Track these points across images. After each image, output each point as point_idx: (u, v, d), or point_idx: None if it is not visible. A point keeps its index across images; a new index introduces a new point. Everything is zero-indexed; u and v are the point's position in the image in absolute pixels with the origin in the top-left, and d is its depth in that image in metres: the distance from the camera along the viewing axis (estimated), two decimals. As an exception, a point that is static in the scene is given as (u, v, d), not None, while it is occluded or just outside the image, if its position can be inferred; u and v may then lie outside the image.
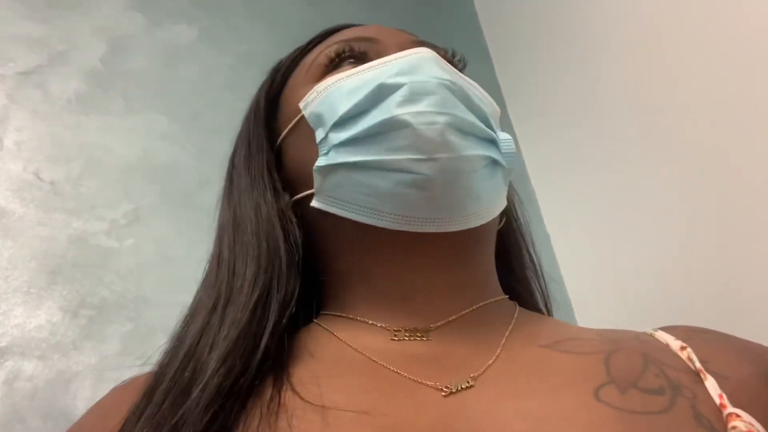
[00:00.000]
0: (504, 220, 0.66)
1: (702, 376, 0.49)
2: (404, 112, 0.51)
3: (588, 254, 1.35)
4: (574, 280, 1.37)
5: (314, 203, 0.57)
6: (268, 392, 0.47)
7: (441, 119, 0.51)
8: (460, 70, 0.65)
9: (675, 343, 0.54)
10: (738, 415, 0.45)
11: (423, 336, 0.54)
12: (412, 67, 0.55)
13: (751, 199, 0.95)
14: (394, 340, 0.53)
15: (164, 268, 1.08)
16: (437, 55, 0.58)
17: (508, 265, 0.68)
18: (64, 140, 1.14)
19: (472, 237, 0.56)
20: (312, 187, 0.57)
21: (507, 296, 0.62)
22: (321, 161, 0.55)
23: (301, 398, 0.47)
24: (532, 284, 0.71)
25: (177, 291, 1.06)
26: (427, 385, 0.49)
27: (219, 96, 1.31)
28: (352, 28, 0.67)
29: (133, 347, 0.98)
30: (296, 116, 0.60)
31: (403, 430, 0.44)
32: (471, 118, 0.54)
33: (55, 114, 1.16)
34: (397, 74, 0.54)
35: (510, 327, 0.56)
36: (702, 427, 0.44)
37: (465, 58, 0.68)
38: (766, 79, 0.93)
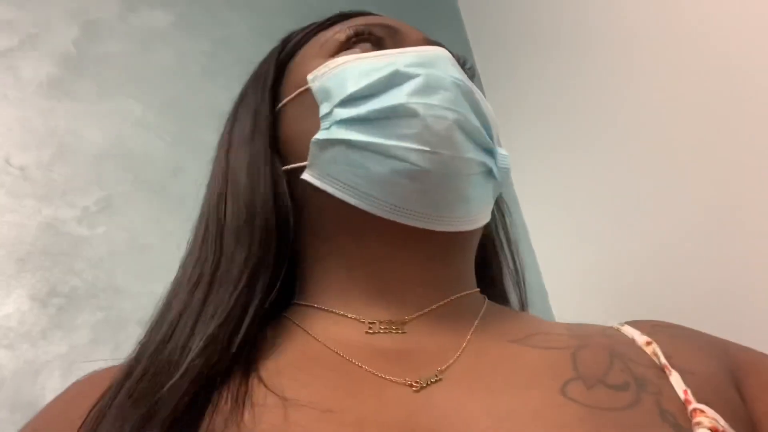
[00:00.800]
0: (492, 227, 0.68)
1: (667, 371, 0.50)
2: (416, 102, 0.51)
3: (565, 246, 1.35)
4: (551, 273, 1.38)
5: (305, 175, 0.55)
6: (237, 381, 0.47)
7: (451, 116, 0.52)
8: (471, 77, 0.64)
9: (641, 338, 0.54)
10: (702, 411, 0.45)
11: (398, 329, 0.53)
12: (430, 61, 0.55)
13: (729, 190, 0.96)
14: (369, 332, 0.53)
15: (137, 257, 1.06)
16: (451, 58, 0.59)
17: (488, 271, 0.69)
18: (35, 126, 1.11)
19: (457, 239, 0.56)
20: (305, 160, 0.56)
21: (478, 289, 0.62)
22: (321, 134, 0.54)
23: (268, 390, 0.46)
24: (511, 290, 0.71)
25: (150, 280, 1.05)
26: (394, 381, 0.48)
27: (195, 83, 1.30)
28: (375, 16, 0.67)
29: (104, 337, 0.97)
30: (302, 87, 0.59)
31: (367, 426, 0.44)
32: (477, 122, 0.55)
33: (26, 99, 1.13)
34: (415, 64, 0.54)
35: (476, 320, 0.56)
36: (666, 423, 0.44)
37: (476, 70, 0.69)
38: (747, 72, 0.94)
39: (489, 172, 0.56)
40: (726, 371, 0.51)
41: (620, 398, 0.46)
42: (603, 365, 0.49)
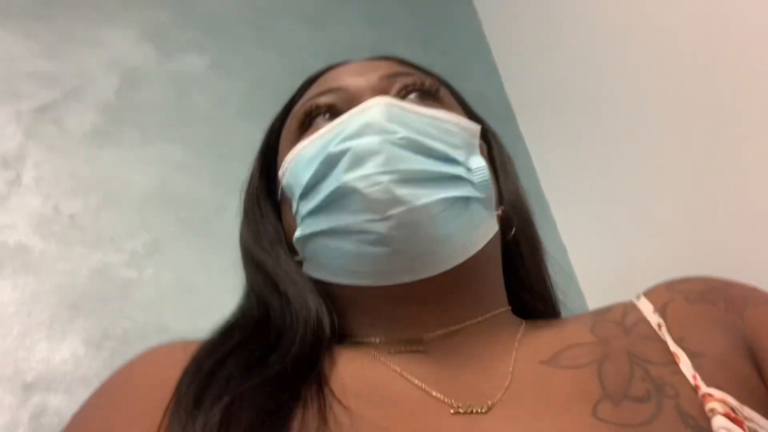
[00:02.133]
0: (513, 231, 0.66)
1: (676, 359, 0.51)
2: (351, 178, 0.53)
3: (604, 265, 1.34)
4: (592, 293, 1.36)
5: (304, 270, 0.61)
6: (314, 392, 0.49)
7: (385, 178, 0.52)
8: (435, 93, 0.65)
9: (653, 318, 0.55)
10: (711, 395, 0.46)
11: (419, 347, 0.55)
12: (359, 129, 0.56)
13: (757, 186, 0.95)
14: (392, 353, 0.55)
15: (184, 296, 1.08)
16: (390, 104, 0.58)
17: (518, 277, 0.68)
18: (81, 174, 1.15)
19: (461, 272, 0.56)
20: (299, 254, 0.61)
21: (509, 308, 0.63)
22: (298, 233, 0.59)
23: (341, 405, 0.48)
24: (545, 294, 0.71)
25: (197, 319, 1.06)
26: (441, 402, 0.50)
27: (232, 123, 1.32)
28: (326, 75, 0.68)
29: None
30: (281, 185, 0.64)
31: None
32: (423, 165, 0.55)
33: (72, 148, 1.17)
34: (344, 139, 0.56)
35: (516, 345, 0.57)
36: (689, 428, 0.45)
37: (437, 83, 0.68)
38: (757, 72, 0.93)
39: (461, 199, 0.56)
40: (739, 340, 0.52)
41: (644, 411, 0.47)
42: (625, 376, 0.50)
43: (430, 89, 0.65)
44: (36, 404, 0.92)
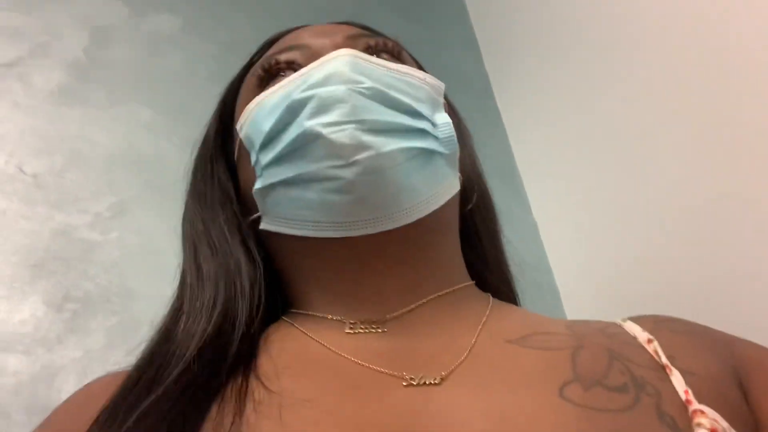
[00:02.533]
0: (475, 198, 0.66)
1: (668, 371, 0.49)
2: (314, 123, 0.52)
3: (576, 243, 1.35)
4: (561, 270, 1.37)
5: (261, 225, 0.59)
6: (238, 380, 0.48)
7: (350, 126, 0.51)
8: (397, 55, 0.65)
9: (642, 335, 0.54)
10: (703, 412, 0.45)
11: (378, 327, 0.54)
12: (324, 78, 0.54)
13: (746, 191, 0.95)
14: (350, 332, 0.54)
15: (149, 260, 1.06)
16: (356, 55, 0.57)
17: (478, 247, 0.68)
18: (46, 133, 1.12)
19: (421, 229, 0.56)
20: (258, 210, 0.59)
21: (473, 282, 0.62)
22: (258, 183, 0.57)
23: (267, 389, 0.47)
24: (503, 267, 0.70)
25: (162, 283, 1.05)
26: (390, 375, 0.49)
27: (204, 86, 1.29)
28: (288, 35, 0.67)
29: (118, 341, 0.97)
30: (238, 139, 0.62)
31: (365, 425, 0.45)
32: (389, 116, 0.54)
33: (37, 106, 1.14)
34: (308, 87, 0.54)
35: (482, 323, 0.56)
36: (665, 426, 0.44)
37: (399, 44, 0.67)
38: (754, 75, 0.93)
39: (427, 151, 0.55)
40: (730, 370, 0.51)
41: (618, 400, 0.46)
42: (602, 366, 0.49)
43: (393, 50, 0.65)
44: (-6, 365, 0.90)
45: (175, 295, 0.61)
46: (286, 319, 0.58)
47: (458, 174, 0.60)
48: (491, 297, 0.61)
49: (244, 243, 0.60)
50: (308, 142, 0.53)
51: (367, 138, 0.51)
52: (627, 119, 1.20)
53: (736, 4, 0.96)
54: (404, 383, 0.48)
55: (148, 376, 0.50)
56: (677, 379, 0.48)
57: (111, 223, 1.08)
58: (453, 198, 0.59)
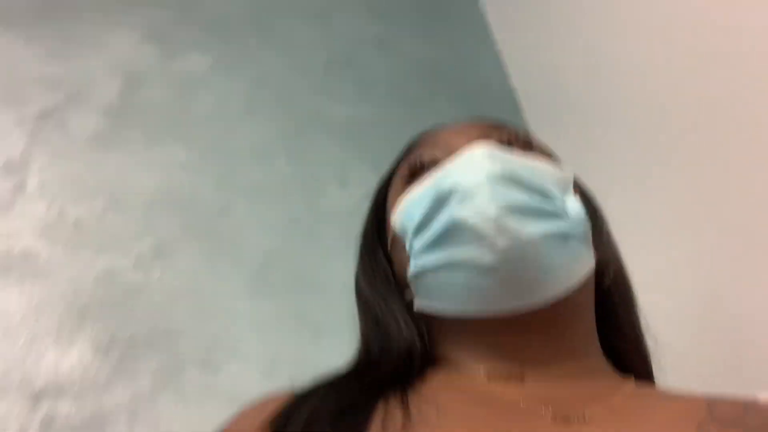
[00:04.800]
0: (612, 274, 0.68)
1: None
2: (460, 211, 0.57)
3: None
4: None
5: (415, 306, 0.64)
6: (397, 402, 0.53)
7: (492, 211, 0.56)
8: (527, 147, 0.69)
9: None
10: None
11: (518, 380, 0.58)
12: (465, 168, 0.60)
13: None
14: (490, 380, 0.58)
15: (190, 299, 1.07)
16: (489, 147, 0.62)
17: (610, 326, 0.69)
18: (85, 178, 1.14)
19: (563, 306, 0.58)
20: (413, 292, 0.64)
21: (604, 356, 0.64)
22: (411, 270, 0.62)
23: (425, 400, 0.53)
24: (641, 343, 0.71)
25: (205, 321, 1.07)
26: (536, 413, 0.53)
27: (235, 123, 1.32)
28: (425, 138, 0.73)
29: (164, 382, 0.98)
30: (392, 231, 0.67)
31: None
32: (526, 198, 0.58)
33: (76, 152, 1.17)
34: (451, 179, 0.60)
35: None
36: None
37: (528, 134, 0.72)
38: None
39: (561, 233, 0.59)
40: None
41: None
42: (738, 413, 0.51)
43: (525, 140, 0.69)
44: (46, 412, 0.91)
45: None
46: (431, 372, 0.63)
47: (593, 251, 0.63)
48: (633, 379, 0.63)
49: (416, 322, 0.65)
50: (455, 228, 0.57)
51: (509, 222, 0.56)
52: (655, 140, 1.19)
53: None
54: (551, 416, 0.52)
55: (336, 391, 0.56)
56: None
57: (152, 264, 1.09)
58: (589, 276, 0.62)
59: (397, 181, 0.72)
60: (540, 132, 1.59)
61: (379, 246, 0.73)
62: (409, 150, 0.75)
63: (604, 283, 0.67)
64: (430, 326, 0.65)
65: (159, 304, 1.06)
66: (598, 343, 0.65)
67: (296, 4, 1.58)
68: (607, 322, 0.68)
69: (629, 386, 0.60)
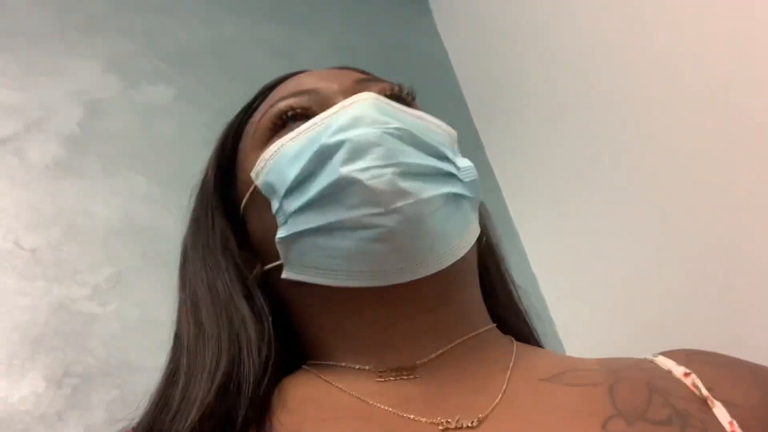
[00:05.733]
0: (483, 240, 0.65)
1: (710, 403, 0.48)
2: (350, 169, 0.51)
3: (574, 291, 1.35)
4: (562, 319, 1.37)
5: (284, 275, 0.56)
6: None
7: (388, 170, 0.50)
8: (411, 103, 0.64)
9: (677, 369, 0.53)
10: None
11: (409, 374, 0.52)
12: (352, 120, 0.53)
13: (742, 228, 0.95)
14: (380, 381, 0.52)
15: (148, 331, 1.06)
16: (378, 98, 0.56)
17: (491, 290, 0.67)
18: (43, 206, 1.13)
19: (451, 274, 0.54)
20: (278, 258, 0.56)
21: (495, 324, 0.60)
22: (281, 232, 0.55)
23: None
24: (519, 308, 0.69)
25: (162, 355, 1.05)
26: (425, 422, 0.48)
27: (197, 153, 1.30)
28: (292, 80, 0.66)
29: (119, 415, 0.96)
30: (250, 186, 0.60)
31: None
32: (421, 159, 0.54)
33: (33, 180, 1.16)
34: (337, 131, 0.53)
35: (511, 364, 0.54)
36: None
37: (413, 90, 0.66)
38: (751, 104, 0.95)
39: (456, 196, 0.55)
40: None
41: None
42: (642, 400, 0.48)
43: (407, 97, 0.64)
44: (-7, 445, 0.89)
45: (169, 359, 0.59)
46: (307, 368, 0.57)
47: (477, 218, 0.60)
48: (513, 339, 0.60)
49: (248, 297, 0.58)
50: (343, 188, 0.51)
51: (405, 184, 0.50)
52: (621, 169, 1.22)
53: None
54: (441, 428, 0.47)
55: None
56: (720, 411, 0.47)
57: (110, 295, 1.08)
58: (473, 247, 0.58)
59: (254, 132, 0.63)
60: (500, 169, 1.62)
61: (221, 205, 0.65)
62: (265, 92, 0.67)
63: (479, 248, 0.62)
64: (294, 311, 0.59)
65: (115, 336, 1.04)
66: (485, 310, 0.61)
67: (259, 38, 1.60)
68: (486, 291, 0.63)
69: (521, 353, 0.56)
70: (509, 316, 0.67)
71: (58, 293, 1.05)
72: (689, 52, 1.04)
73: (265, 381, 0.52)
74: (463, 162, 0.57)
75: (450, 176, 0.55)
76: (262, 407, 0.50)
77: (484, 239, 0.65)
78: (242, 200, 0.62)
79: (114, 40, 1.42)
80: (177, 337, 0.60)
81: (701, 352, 0.56)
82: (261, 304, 0.57)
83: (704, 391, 0.49)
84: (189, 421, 0.48)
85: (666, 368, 0.53)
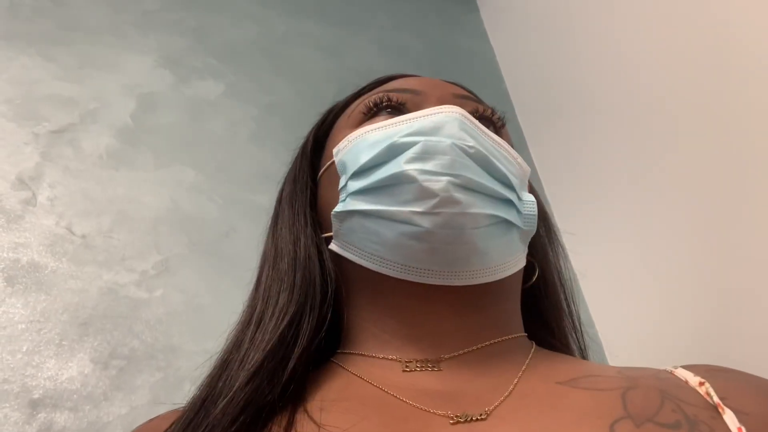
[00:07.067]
0: (537, 275, 0.67)
1: (720, 410, 0.49)
2: (411, 168, 0.54)
3: (618, 296, 1.34)
4: (604, 324, 1.36)
5: (331, 246, 0.61)
6: (284, 416, 0.50)
7: (446, 178, 0.53)
8: (499, 128, 0.67)
9: (694, 380, 0.53)
10: None
11: (434, 366, 0.55)
12: (432, 127, 0.57)
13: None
14: (406, 371, 0.55)
15: (192, 317, 1.09)
16: (465, 115, 0.59)
17: (543, 319, 0.69)
18: (95, 195, 1.17)
19: (483, 290, 0.57)
20: (331, 230, 0.61)
21: (524, 334, 0.62)
22: (339, 207, 0.59)
23: (311, 421, 0.49)
24: (569, 337, 0.71)
25: (205, 340, 1.08)
26: (437, 414, 0.50)
27: (244, 147, 1.35)
28: (400, 80, 0.70)
29: (163, 397, 0.99)
30: (330, 159, 0.64)
31: None
32: (485, 180, 0.56)
33: (87, 170, 1.19)
34: (415, 133, 0.57)
35: (526, 363, 0.56)
36: None
37: (504, 117, 0.70)
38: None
39: (507, 222, 0.57)
40: None
41: None
42: (653, 405, 0.49)
43: (497, 122, 0.68)
44: (42, 421, 0.92)
45: (247, 304, 0.63)
46: (334, 361, 0.59)
47: (526, 251, 0.62)
48: (534, 344, 0.61)
49: (321, 260, 0.62)
50: (400, 182, 0.55)
51: (458, 194, 0.53)
52: (670, 173, 1.20)
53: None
54: (451, 422, 0.49)
55: (214, 393, 0.52)
56: (730, 418, 0.48)
57: (156, 281, 1.11)
58: (518, 272, 0.61)
59: (350, 113, 0.67)
60: (543, 169, 1.61)
61: (309, 170, 0.69)
62: (377, 84, 0.71)
63: (530, 280, 0.65)
64: (339, 288, 0.61)
65: (160, 321, 1.07)
66: (520, 321, 0.62)
67: (308, 37, 1.62)
68: (532, 311, 0.66)
69: (539, 356, 0.58)
70: (561, 347, 0.68)
71: (107, 278, 1.08)
72: (744, 52, 1.03)
73: (314, 343, 0.56)
74: (527, 196, 0.60)
75: (508, 203, 0.58)
76: (304, 373, 0.54)
77: (537, 272, 0.66)
78: (321, 170, 0.67)
79: (166, 36, 1.46)
80: (258, 282, 0.64)
81: (721, 367, 0.57)
82: (329, 268, 0.61)
83: (716, 399, 0.50)
84: (254, 361, 0.53)
85: (683, 378, 0.54)
